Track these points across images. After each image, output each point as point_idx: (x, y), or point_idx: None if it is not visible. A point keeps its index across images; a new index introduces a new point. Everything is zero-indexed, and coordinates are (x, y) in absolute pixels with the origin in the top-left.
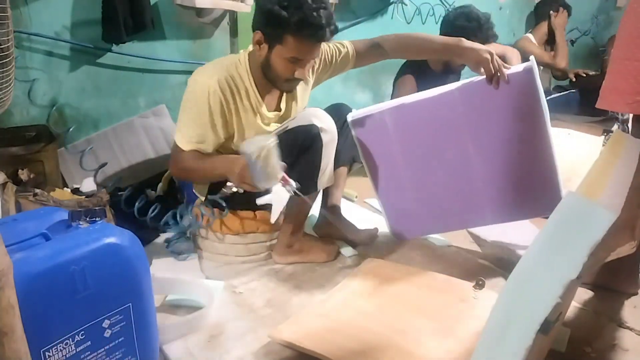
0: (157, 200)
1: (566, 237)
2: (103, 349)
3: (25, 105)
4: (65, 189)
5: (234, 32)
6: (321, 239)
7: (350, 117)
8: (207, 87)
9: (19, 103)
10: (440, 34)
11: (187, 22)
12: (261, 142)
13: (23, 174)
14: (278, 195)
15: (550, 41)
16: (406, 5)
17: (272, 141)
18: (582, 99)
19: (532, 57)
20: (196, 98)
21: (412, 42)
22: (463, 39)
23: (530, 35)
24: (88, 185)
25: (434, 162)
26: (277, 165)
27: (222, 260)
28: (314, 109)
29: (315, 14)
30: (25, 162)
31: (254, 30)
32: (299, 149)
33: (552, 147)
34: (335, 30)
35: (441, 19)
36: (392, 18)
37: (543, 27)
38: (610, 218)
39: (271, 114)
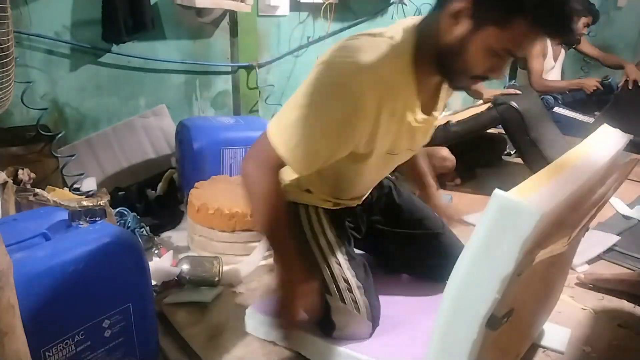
0: (157, 200)
1: (498, 234)
2: (103, 349)
3: (25, 105)
4: (65, 189)
5: (234, 32)
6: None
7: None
8: (363, 85)
9: (19, 103)
10: None
11: (187, 22)
12: None
13: (23, 174)
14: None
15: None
16: (406, 5)
17: None
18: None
19: None
20: (338, 94)
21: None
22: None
23: None
24: (88, 185)
25: None
26: None
27: None
28: None
29: (566, 4)
30: (25, 162)
31: None
32: None
33: None
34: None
35: None
36: (392, 18)
37: None
38: (536, 216)
39: (421, 117)
